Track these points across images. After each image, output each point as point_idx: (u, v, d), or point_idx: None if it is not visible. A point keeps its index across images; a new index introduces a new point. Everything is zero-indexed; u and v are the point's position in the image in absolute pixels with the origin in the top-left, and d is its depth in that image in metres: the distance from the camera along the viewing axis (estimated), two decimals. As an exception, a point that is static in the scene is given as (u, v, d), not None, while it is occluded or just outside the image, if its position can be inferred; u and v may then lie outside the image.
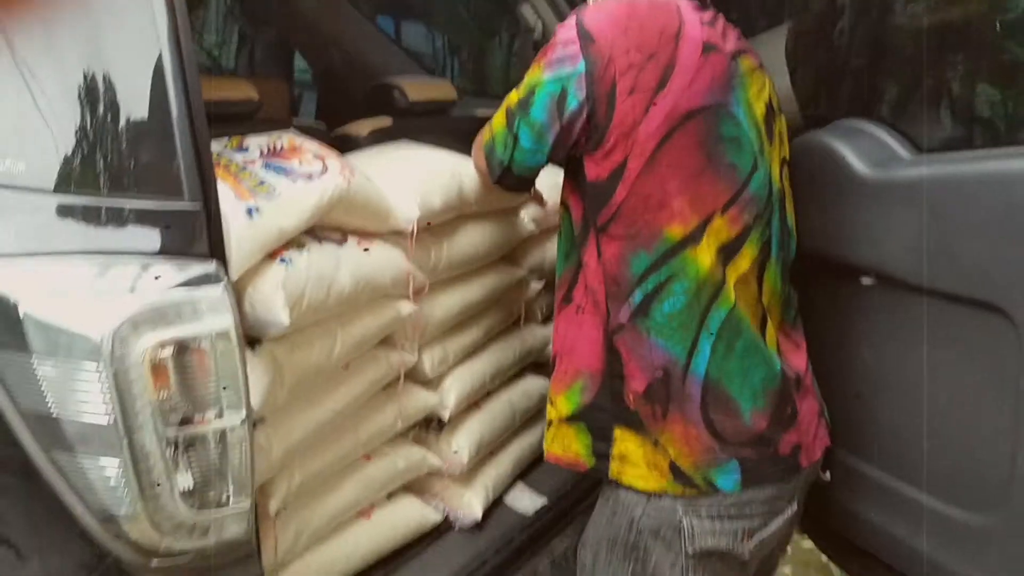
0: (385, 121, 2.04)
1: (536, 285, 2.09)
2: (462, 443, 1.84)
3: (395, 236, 1.67)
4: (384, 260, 1.60)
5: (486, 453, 1.93)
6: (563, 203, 1.48)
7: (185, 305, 1.10)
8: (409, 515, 1.76)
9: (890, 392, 1.58)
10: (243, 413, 1.15)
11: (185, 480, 1.12)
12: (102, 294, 1.10)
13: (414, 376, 1.78)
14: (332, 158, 1.54)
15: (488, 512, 1.88)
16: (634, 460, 1.40)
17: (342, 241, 1.54)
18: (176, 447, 1.11)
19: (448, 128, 2.19)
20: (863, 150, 1.55)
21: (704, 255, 1.33)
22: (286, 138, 1.59)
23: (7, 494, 1.21)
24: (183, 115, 1.14)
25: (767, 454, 1.39)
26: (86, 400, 1.09)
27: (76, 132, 1.21)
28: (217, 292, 1.13)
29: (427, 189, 1.70)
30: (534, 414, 2.09)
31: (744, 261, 1.37)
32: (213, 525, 1.16)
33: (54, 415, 1.10)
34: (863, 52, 1.78)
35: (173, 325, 1.10)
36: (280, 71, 2.77)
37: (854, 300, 1.61)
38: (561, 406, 1.48)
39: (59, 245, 1.17)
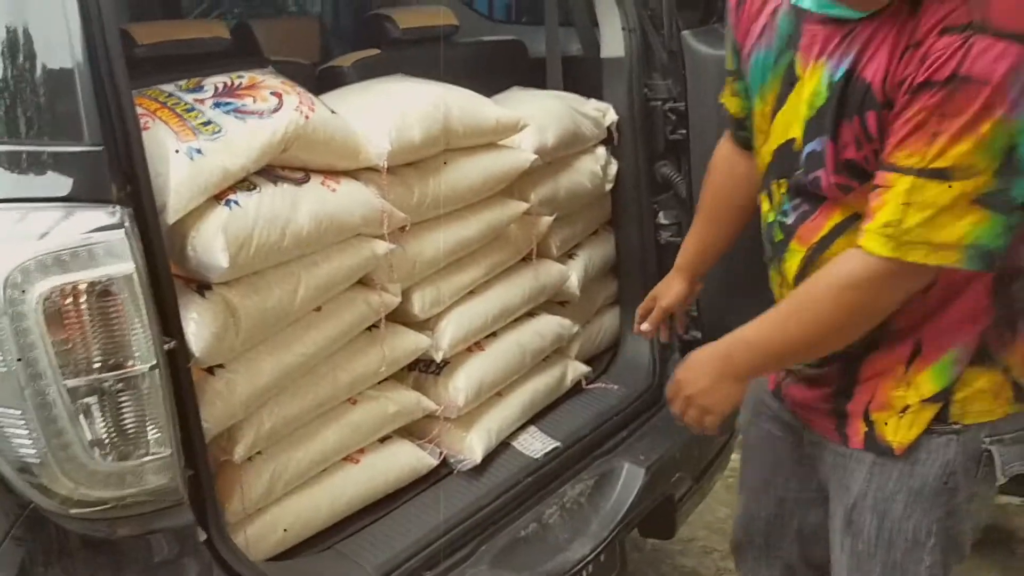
0: (371, 52, 1.95)
1: (547, 219, 1.98)
2: (460, 384, 1.78)
3: (370, 173, 1.60)
4: (352, 198, 1.53)
5: (491, 395, 1.86)
6: None
7: (82, 252, 1.08)
8: (401, 459, 1.71)
9: None
10: (152, 360, 1.12)
11: (94, 430, 1.10)
12: (1, 242, 1.09)
13: (404, 318, 1.73)
14: (291, 94, 1.48)
15: (493, 455, 1.82)
16: (976, 397, 1.30)
17: (303, 180, 1.48)
18: (85, 396, 1.09)
19: (451, 57, 2.07)
20: None
21: None
22: (247, 76, 1.53)
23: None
24: (86, 57, 1.12)
25: None
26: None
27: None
28: (116, 238, 1.09)
29: (404, 122, 1.62)
30: (549, 355, 2.01)
31: None
32: (131, 475, 1.14)
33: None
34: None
35: (69, 272, 1.07)
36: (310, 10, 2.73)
37: None
38: (924, 385, 1.30)
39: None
